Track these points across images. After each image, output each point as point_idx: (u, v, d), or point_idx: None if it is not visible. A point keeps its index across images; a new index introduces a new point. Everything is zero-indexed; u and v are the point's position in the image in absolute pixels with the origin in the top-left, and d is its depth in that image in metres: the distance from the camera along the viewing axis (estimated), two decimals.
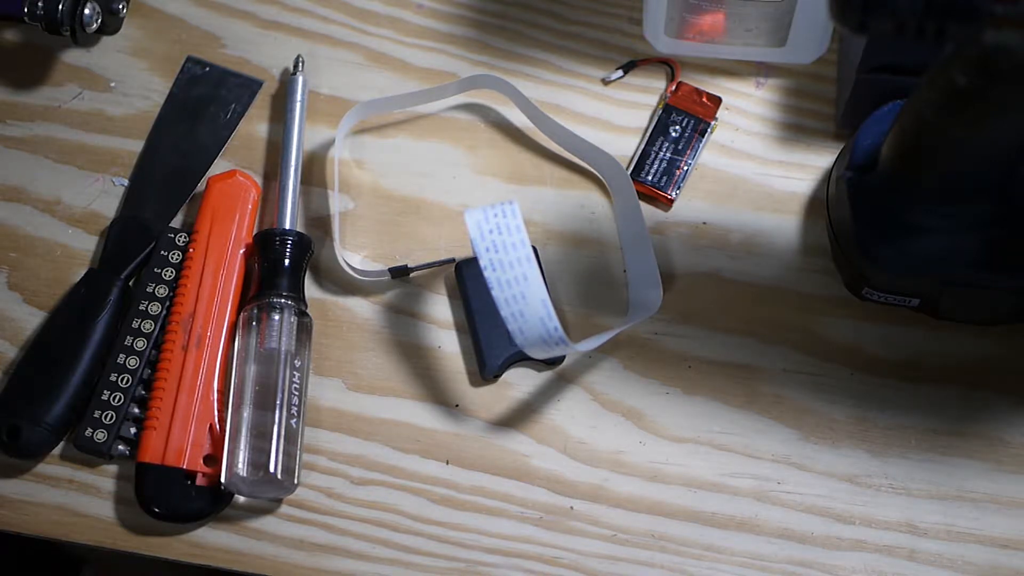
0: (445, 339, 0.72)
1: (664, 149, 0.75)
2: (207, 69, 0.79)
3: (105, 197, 0.76)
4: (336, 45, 0.79)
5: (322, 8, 0.80)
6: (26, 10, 0.75)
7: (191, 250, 0.73)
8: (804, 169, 0.75)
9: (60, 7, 0.75)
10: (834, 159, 0.73)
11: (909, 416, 0.69)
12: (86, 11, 0.76)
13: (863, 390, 0.70)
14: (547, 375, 0.71)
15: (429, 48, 0.79)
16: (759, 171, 0.75)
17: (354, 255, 0.74)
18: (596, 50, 0.78)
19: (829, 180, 0.72)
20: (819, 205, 0.73)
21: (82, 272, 0.73)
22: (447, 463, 0.69)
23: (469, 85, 0.77)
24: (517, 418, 0.70)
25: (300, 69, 0.77)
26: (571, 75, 0.78)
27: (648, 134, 0.75)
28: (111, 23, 0.79)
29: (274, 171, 0.76)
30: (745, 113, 0.76)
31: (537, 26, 0.79)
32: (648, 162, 0.74)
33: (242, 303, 0.72)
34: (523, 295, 0.65)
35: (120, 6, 0.79)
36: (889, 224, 0.67)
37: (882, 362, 0.70)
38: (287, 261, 0.71)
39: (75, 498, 0.70)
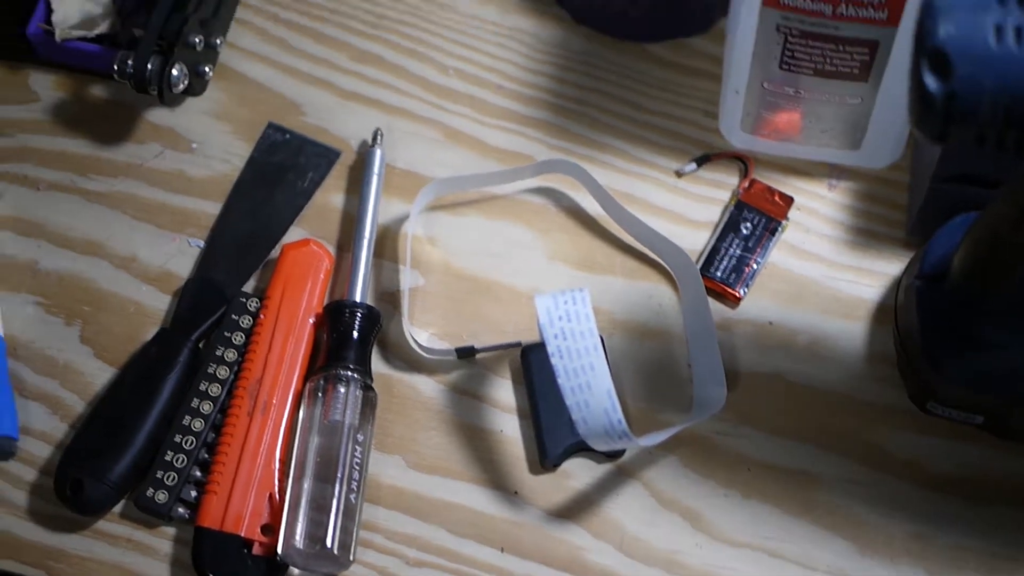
0: (507, 424, 0.72)
1: (734, 246, 0.75)
2: (287, 136, 0.80)
3: (180, 257, 0.77)
4: (415, 120, 0.80)
5: (402, 83, 0.81)
6: (116, 67, 0.76)
7: (262, 316, 0.74)
8: (873, 275, 0.75)
9: (149, 66, 0.76)
10: (904, 267, 0.74)
11: (969, 537, 0.69)
12: (174, 71, 0.77)
13: (923, 506, 0.69)
14: (606, 468, 0.71)
15: (506, 129, 0.80)
16: (828, 274, 0.75)
17: (422, 332, 0.75)
18: (671, 141, 0.79)
19: (898, 288, 0.73)
20: (887, 313, 0.74)
21: (154, 331, 0.75)
22: (502, 551, 0.70)
23: (544, 169, 0.78)
24: (574, 509, 0.70)
25: (378, 142, 0.78)
26: (645, 165, 0.78)
27: (719, 230, 0.76)
28: (197, 85, 0.80)
29: (347, 242, 0.77)
30: (816, 214, 0.77)
31: (614, 114, 0.80)
32: (718, 258, 0.75)
33: (309, 373, 0.73)
34: (589, 385, 0.66)
35: (207, 68, 0.80)
36: (958, 337, 0.67)
37: (943, 479, 0.70)
38: (356, 334, 0.72)
39: (132, 557, 0.70)
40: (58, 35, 0.80)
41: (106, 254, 0.78)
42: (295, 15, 0.84)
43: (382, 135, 0.79)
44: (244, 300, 0.75)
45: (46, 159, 0.80)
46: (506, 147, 0.79)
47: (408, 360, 0.74)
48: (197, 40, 0.78)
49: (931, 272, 0.69)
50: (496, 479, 0.71)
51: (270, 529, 0.69)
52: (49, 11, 0.80)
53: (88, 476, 0.70)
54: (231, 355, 0.73)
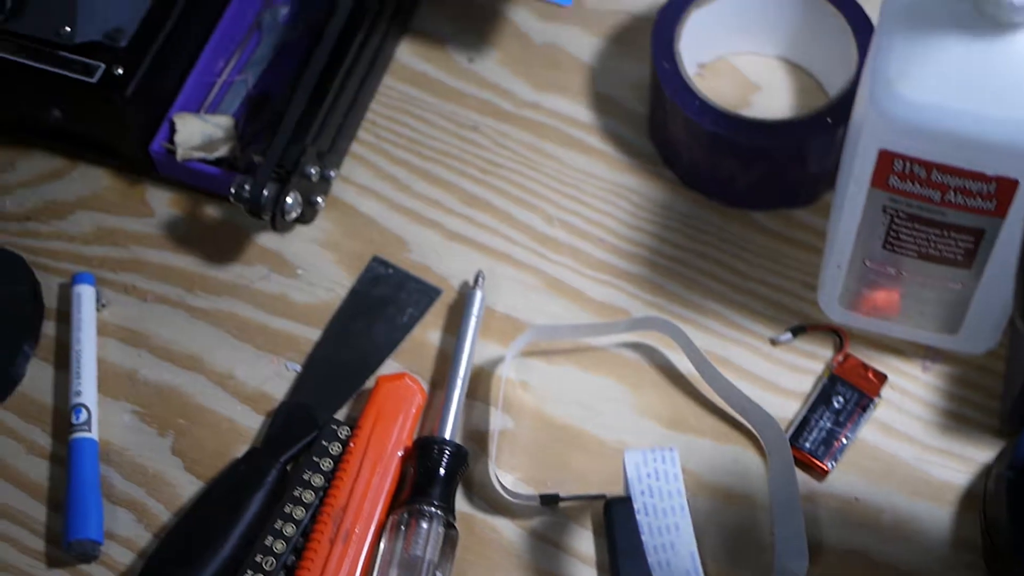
0: (585, 575, 0.72)
1: (825, 418, 0.75)
2: (391, 271, 0.82)
3: (276, 380, 0.79)
4: (517, 266, 0.82)
5: (508, 228, 0.83)
6: (233, 191, 0.79)
7: (352, 444, 0.75)
8: (963, 460, 0.75)
9: (265, 193, 0.78)
10: (995, 455, 0.73)
11: None
12: (288, 199, 0.79)
13: None
14: None
15: (605, 282, 0.81)
16: (917, 455, 0.75)
17: (507, 475, 0.75)
18: (768, 309, 0.80)
19: (988, 476, 0.72)
20: (975, 499, 0.73)
21: (244, 449, 0.76)
22: None
23: (641, 325, 0.79)
24: None
25: (480, 284, 0.80)
26: (741, 330, 0.79)
27: (811, 401, 0.76)
28: (308, 213, 0.82)
29: (441, 379, 0.78)
30: (909, 394, 0.77)
31: (714, 276, 0.81)
32: (808, 429, 0.75)
33: (393, 505, 0.73)
34: (672, 545, 0.66)
35: (319, 199, 0.82)
36: None
37: None
38: (442, 471, 0.73)
39: None
40: (180, 155, 0.83)
41: (205, 370, 0.79)
42: (408, 155, 0.86)
43: (484, 278, 0.80)
44: (335, 427, 0.76)
45: (155, 272, 0.82)
46: (603, 300, 0.81)
47: (491, 501, 0.74)
48: (313, 171, 0.81)
49: (1023, 464, 0.69)
50: None
51: None
52: (173, 131, 0.83)
53: None
54: (318, 480, 0.74)
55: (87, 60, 0.81)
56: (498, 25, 0.90)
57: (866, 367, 0.77)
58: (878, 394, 0.76)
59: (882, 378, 0.77)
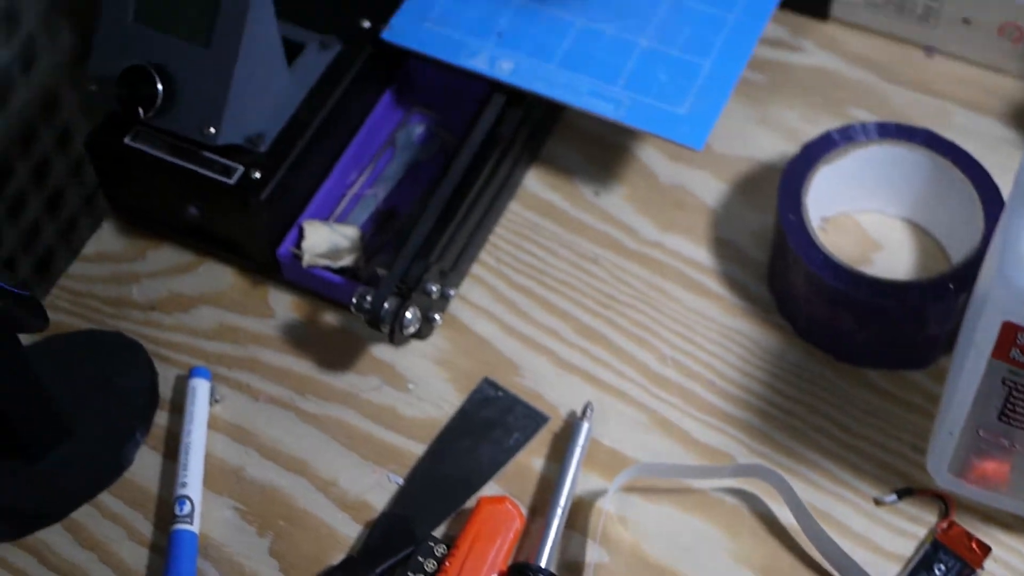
0: None
1: None
2: (500, 394, 0.83)
3: (378, 490, 0.79)
4: (626, 401, 0.82)
5: (621, 364, 0.84)
6: (354, 301, 0.80)
7: (447, 563, 0.75)
8: None
9: (386, 306, 0.80)
10: None
11: None
12: (407, 314, 0.81)
13: None
14: None
15: (712, 425, 0.81)
16: None
17: None
18: (874, 468, 0.79)
19: None
20: None
21: (340, 556, 0.76)
22: None
23: (745, 472, 0.79)
24: None
25: (588, 416, 0.80)
26: (844, 486, 0.79)
27: (912, 566, 0.75)
28: (425, 329, 0.84)
29: (541, 506, 0.78)
30: (1012, 569, 0.76)
31: (821, 430, 0.81)
32: None
33: None
34: None
35: (437, 316, 0.84)
36: None
37: None
38: None
39: None
40: (305, 261, 0.85)
41: (309, 473, 0.80)
42: (528, 280, 0.87)
43: (592, 410, 0.81)
44: (432, 544, 0.76)
45: (270, 373, 0.84)
46: (708, 442, 0.81)
47: None
48: (434, 288, 0.82)
49: None
50: None
51: None
52: (301, 237, 0.85)
53: None
54: None
55: (227, 161, 0.84)
56: (626, 162, 0.92)
57: (970, 536, 0.76)
58: (981, 566, 0.75)
59: (986, 550, 0.76)
